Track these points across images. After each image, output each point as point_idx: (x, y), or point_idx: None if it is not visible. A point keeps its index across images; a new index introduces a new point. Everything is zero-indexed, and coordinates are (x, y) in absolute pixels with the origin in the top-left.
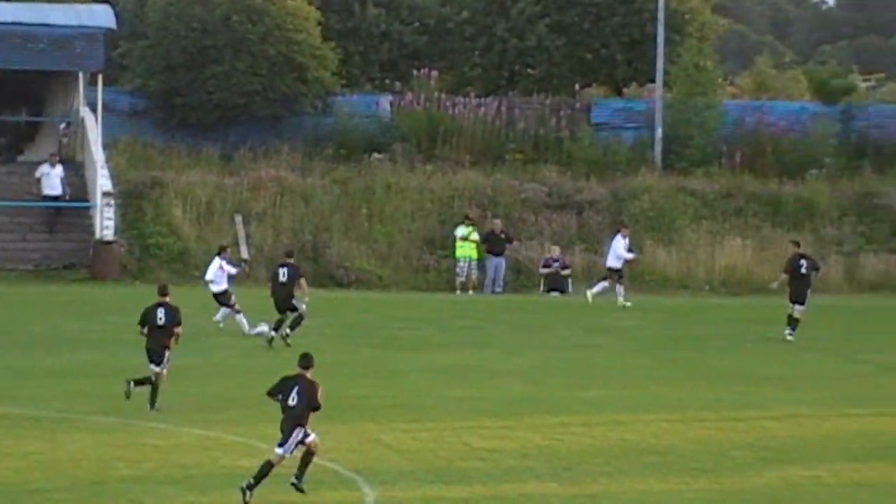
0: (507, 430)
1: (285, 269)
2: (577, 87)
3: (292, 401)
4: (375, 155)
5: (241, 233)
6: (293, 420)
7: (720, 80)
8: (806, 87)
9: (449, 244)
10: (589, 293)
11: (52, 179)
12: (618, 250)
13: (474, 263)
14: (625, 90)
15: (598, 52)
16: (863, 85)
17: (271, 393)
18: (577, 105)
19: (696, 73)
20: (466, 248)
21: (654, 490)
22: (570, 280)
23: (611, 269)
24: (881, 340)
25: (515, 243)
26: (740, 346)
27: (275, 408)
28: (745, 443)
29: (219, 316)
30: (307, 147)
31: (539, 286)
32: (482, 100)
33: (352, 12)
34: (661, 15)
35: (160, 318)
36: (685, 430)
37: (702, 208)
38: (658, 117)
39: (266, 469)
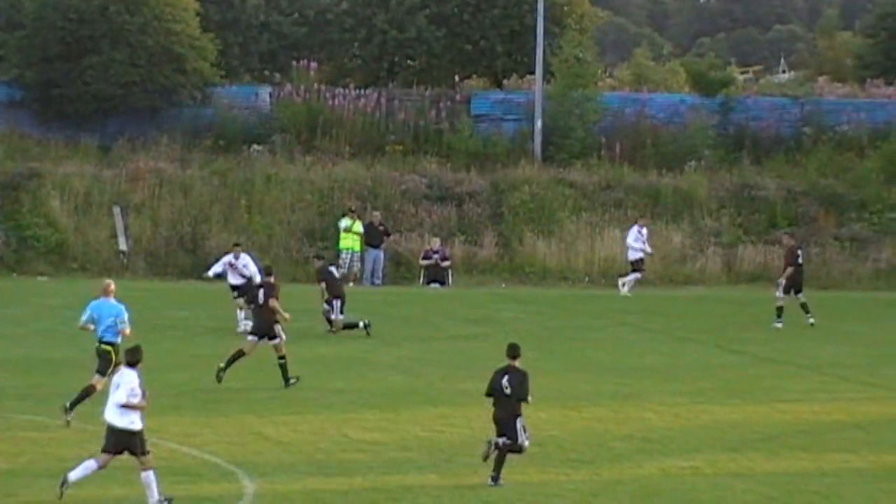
0: (387, 422)
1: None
2: (456, 78)
3: (507, 390)
4: (255, 146)
5: (120, 224)
6: (509, 410)
7: (599, 71)
8: (684, 80)
9: (329, 236)
10: (622, 288)
11: None
12: (636, 243)
13: (357, 255)
14: (505, 82)
15: (478, 44)
16: (741, 77)
17: (490, 393)
18: (457, 97)
19: (575, 64)
20: (349, 239)
21: (534, 481)
22: (450, 272)
23: (634, 262)
24: (758, 331)
25: (395, 235)
26: (619, 338)
27: (153, 399)
28: (624, 434)
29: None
30: (186, 138)
31: (419, 278)
32: (362, 91)
33: (231, 3)
34: (540, 6)
35: (260, 298)
36: (564, 421)
37: (581, 200)
38: (538, 109)
39: (502, 459)
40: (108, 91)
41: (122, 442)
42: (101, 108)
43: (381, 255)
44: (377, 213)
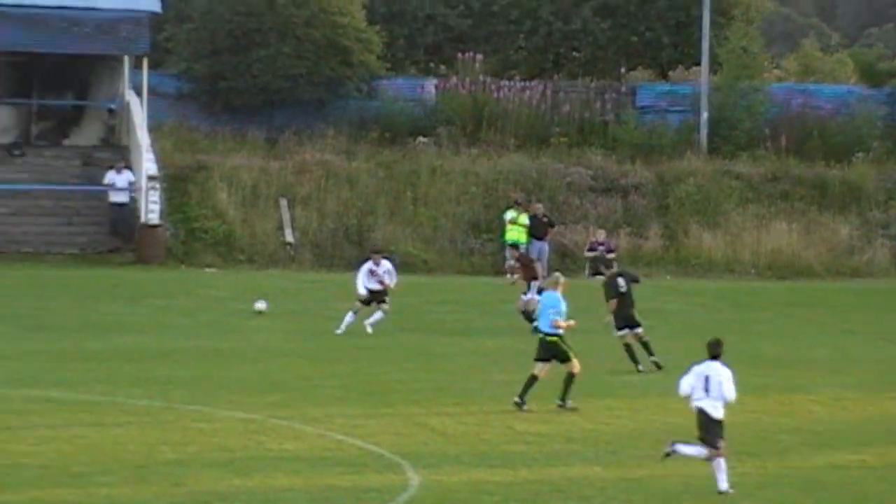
0: (551, 413)
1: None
2: (622, 70)
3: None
4: (420, 139)
5: (286, 216)
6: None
7: (766, 63)
8: (852, 70)
9: (494, 228)
10: None
11: (119, 187)
12: None
13: (523, 247)
14: (670, 73)
15: (644, 35)
16: None
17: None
18: (623, 88)
19: (742, 55)
20: (515, 231)
21: (700, 473)
22: (615, 263)
23: None
24: None
25: (559, 227)
26: (785, 331)
27: (316, 391)
28: (791, 426)
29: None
30: (352, 131)
31: (584, 270)
32: (527, 83)
33: None
34: None
35: (622, 287)
36: (731, 413)
37: (747, 192)
38: (703, 100)
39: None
40: (275, 84)
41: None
42: (269, 100)
43: (546, 246)
44: (540, 205)
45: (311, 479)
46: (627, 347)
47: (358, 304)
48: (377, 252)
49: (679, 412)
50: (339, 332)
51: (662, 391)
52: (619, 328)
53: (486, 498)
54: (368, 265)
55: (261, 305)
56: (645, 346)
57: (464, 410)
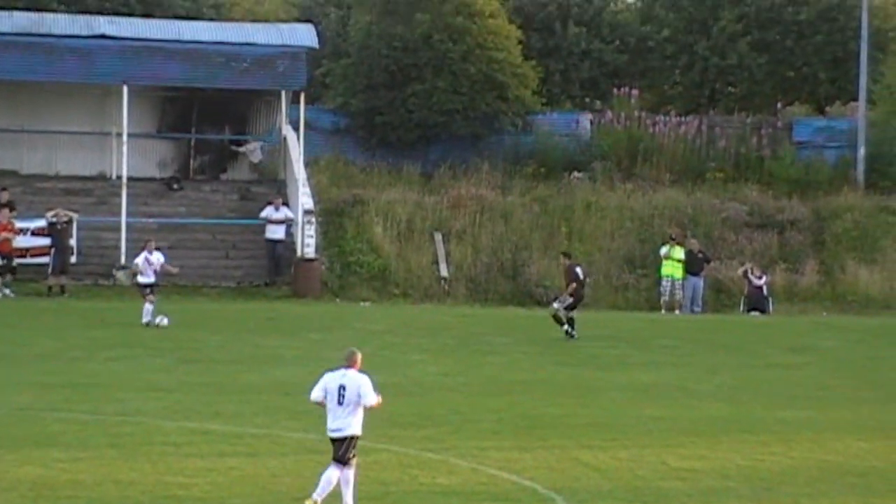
0: (706, 449)
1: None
2: (778, 105)
3: None
4: (575, 173)
5: (441, 251)
6: None
7: None
8: None
9: (649, 263)
10: None
11: (276, 224)
12: None
13: (678, 283)
14: (827, 109)
15: (801, 71)
16: None
17: None
18: (779, 124)
19: None
20: (670, 266)
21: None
22: (770, 300)
23: None
24: None
25: (714, 263)
26: None
27: (470, 425)
28: None
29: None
30: (507, 165)
31: (739, 306)
32: (682, 118)
33: (552, 31)
34: (864, 33)
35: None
36: (887, 451)
37: None
38: (861, 136)
39: None
40: (431, 119)
41: None
42: (424, 135)
43: (702, 282)
44: (695, 241)
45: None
46: (556, 317)
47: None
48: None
49: (833, 449)
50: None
51: (818, 428)
52: (570, 308)
53: None
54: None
55: (163, 321)
56: (570, 320)
57: (617, 445)
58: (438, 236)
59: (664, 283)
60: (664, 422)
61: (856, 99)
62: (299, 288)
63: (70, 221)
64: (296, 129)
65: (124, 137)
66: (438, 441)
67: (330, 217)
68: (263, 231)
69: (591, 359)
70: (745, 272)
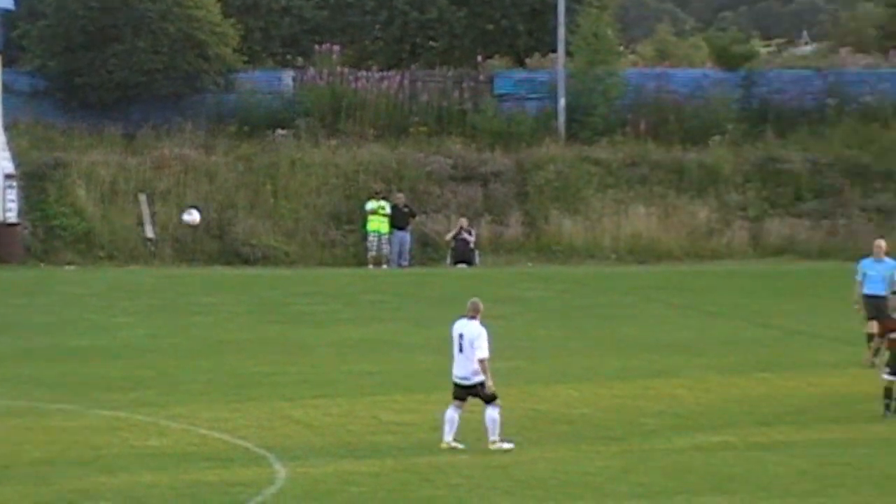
0: (417, 403)
1: None
2: (479, 58)
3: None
4: (279, 131)
5: (146, 212)
6: None
7: (621, 48)
8: (707, 54)
9: (355, 219)
10: None
11: None
12: None
13: (385, 238)
14: (527, 61)
15: (500, 23)
16: (763, 50)
17: None
18: (480, 77)
19: (596, 41)
20: (376, 222)
21: (566, 458)
22: (476, 252)
23: None
24: (787, 305)
25: (420, 216)
26: (647, 315)
27: (181, 386)
28: (655, 410)
29: None
30: (210, 124)
31: (446, 259)
32: (385, 73)
33: None
34: None
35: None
36: (595, 399)
37: (606, 177)
38: (560, 87)
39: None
40: (132, 79)
41: None
42: (125, 95)
43: (408, 236)
44: (401, 195)
45: (176, 475)
46: None
47: None
48: None
49: (543, 398)
50: None
51: (527, 378)
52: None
53: (353, 489)
54: None
55: (189, 217)
56: None
57: (329, 402)
58: (143, 197)
59: (371, 238)
60: (375, 376)
61: (554, 50)
62: (2, 253)
63: None
64: None
65: None
66: (148, 403)
67: (31, 181)
68: None
69: (300, 316)
70: (457, 232)
